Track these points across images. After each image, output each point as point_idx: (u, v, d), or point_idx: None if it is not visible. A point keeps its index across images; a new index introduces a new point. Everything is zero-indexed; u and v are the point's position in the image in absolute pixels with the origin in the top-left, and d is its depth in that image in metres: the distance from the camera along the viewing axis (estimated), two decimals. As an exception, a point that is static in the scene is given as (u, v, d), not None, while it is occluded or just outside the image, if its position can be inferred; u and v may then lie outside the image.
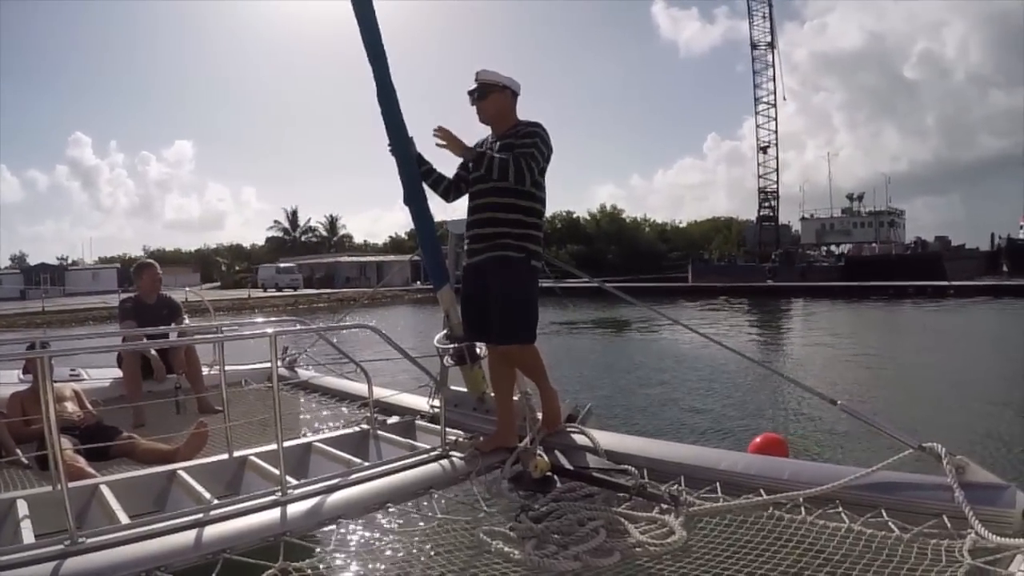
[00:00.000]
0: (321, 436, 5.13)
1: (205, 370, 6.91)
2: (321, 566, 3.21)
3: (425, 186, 5.00)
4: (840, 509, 3.27)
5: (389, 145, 4.94)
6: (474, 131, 4.84)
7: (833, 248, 74.82)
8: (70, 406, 5.44)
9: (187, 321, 7.37)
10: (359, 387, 6.26)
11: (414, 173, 4.97)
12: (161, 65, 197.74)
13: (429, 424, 5.23)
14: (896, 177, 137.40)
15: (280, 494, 3.62)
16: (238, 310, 40.27)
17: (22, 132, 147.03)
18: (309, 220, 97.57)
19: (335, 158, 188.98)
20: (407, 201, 5.06)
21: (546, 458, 4.17)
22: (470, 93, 4.65)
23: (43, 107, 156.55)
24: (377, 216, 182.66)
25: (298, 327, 6.32)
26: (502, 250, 4.44)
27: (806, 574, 2.87)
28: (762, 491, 3.54)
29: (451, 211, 5.37)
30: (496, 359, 4.69)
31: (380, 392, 5.72)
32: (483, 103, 4.62)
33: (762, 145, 68.23)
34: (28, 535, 3.22)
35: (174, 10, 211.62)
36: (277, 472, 3.74)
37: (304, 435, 5.37)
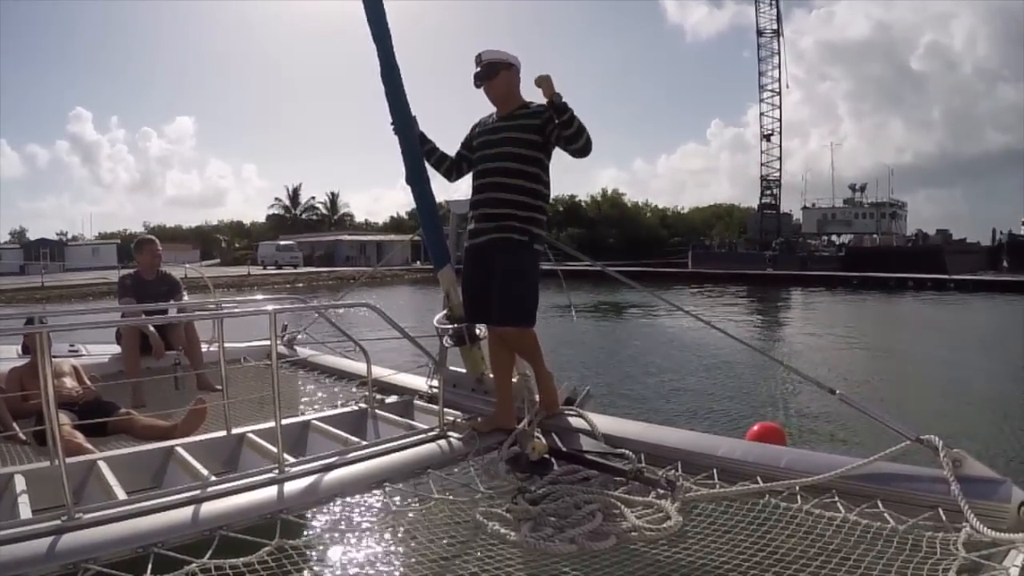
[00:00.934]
0: (319, 414, 5.13)
1: (204, 347, 6.92)
2: (317, 544, 3.24)
3: (428, 166, 4.99)
4: (836, 499, 3.27)
5: (392, 124, 4.93)
6: (473, 112, 4.85)
7: (834, 238, 74.77)
8: (68, 382, 5.44)
9: (186, 298, 7.37)
10: (358, 366, 6.26)
11: (417, 153, 4.96)
12: (163, 41, 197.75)
13: (427, 404, 5.23)
14: (899, 169, 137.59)
15: (278, 471, 3.62)
16: (237, 287, 40.32)
17: (22, 107, 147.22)
18: (312, 199, 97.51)
19: (337, 136, 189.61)
20: (409, 181, 5.05)
21: (544, 440, 4.18)
22: (476, 75, 4.59)
23: (44, 82, 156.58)
24: (378, 195, 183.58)
25: (298, 305, 6.32)
26: (507, 232, 4.43)
27: (801, 562, 2.87)
28: (759, 478, 3.54)
29: (452, 191, 5.37)
30: (496, 341, 4.68)
31: (379, 371, 5.71)
32: (494, 81, 4.57)
33: (766, 133, 68.28)
34: (25, 510, 3.22)
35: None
36: (275, 449, 3.75)
37: (302, 413, 5.37)
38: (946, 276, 45.06)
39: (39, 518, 3.04)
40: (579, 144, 4.37)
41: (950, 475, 3.05)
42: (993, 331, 24.48)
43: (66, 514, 3.00)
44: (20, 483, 3.55)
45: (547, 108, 4.36)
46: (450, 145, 4.94)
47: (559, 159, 4.53)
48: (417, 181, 5.05)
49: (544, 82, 4.24)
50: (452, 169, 4.91)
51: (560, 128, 4.33)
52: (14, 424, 4.91)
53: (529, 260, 4.48)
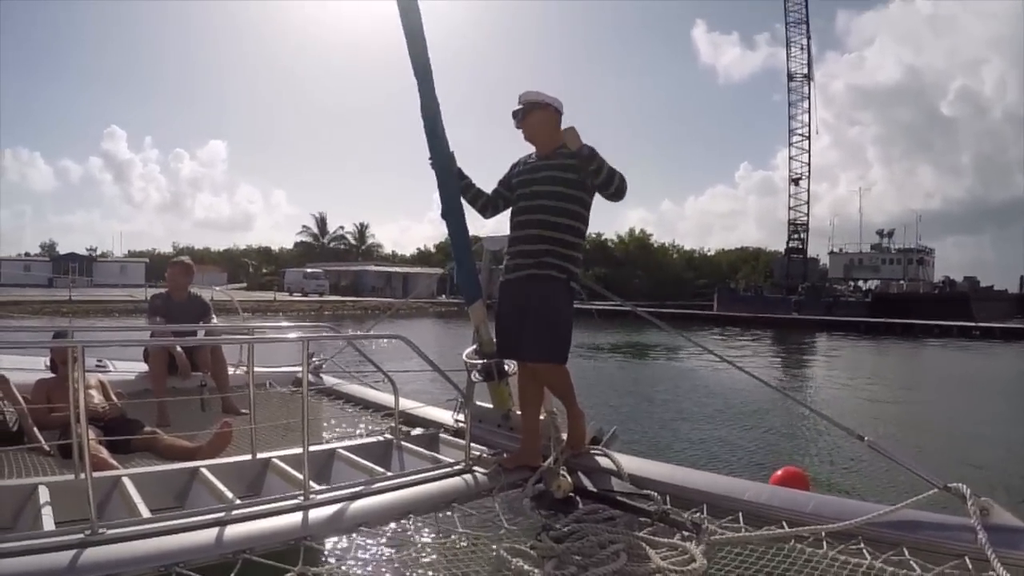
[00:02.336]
0: (345, 443, 5.14)
1: (230, 370, 6.94)
2: (339, 572, 3.22)
3: (463, 201, 5.02)
4: (862, 546, 3.25)
5: (430, 159, 4.97)
6: (513, 150, 4.88)
7: (860, 284, 74.42)
8: (96, 396, 5.48)
9: (215, 320, 7.41)
10: (384, 396, 6.28)
11: (453, 188, 4.99)
12: (199, 64, 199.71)
13: (453, 438, 5.24)
14: (928, 215, 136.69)
15: (303, 498, 3.63)
16: (263, 311, 40.46)
17: (58, 122, 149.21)
18: (341, 228, 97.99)
19: (367, 165, 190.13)
20: (445, 215, 5.08)
21: (569, 479, 4.17)
22: (514, 114, 4.68)
23: (80, 99, 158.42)
24: (406, 227, 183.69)
25: (329, 333, 6.34)
26: (546, 268, 4.45)
27: (826, 610, 2.86)
28: (784, 523, 3.52)
29: (480, 226, 5.39)
30: (526, 377, 4.69)
31: (405, 403, 5.72)
32: (526, 122, 4.64)
33: (794, 177, 68.35)
34: (49, 522, 3.25)
35: (215, 9, 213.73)
36: (300, 476, 3.76)
37: (327, 441, 5.38)
38: (972, 324, 44.76)
39: (63, 531, 3.05)
40: (611, 190, 4.48)
41: (977, 524, 3.02)
42: (1019, 379, 24.28)
43: (90, 528, 3.02)
44: (44, 494, 3.57)
45: (595, 151, 4.44)
46: (487, 183, 4.97)
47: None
48: (453, 216, 5.08)
49: (569, 135, 4.38)
50: (488, 206, 4.94)
51: (591, 176, 4.42)
52: (39, 435, 4.94)
53: (565, 297, 4.51)
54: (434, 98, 4.92)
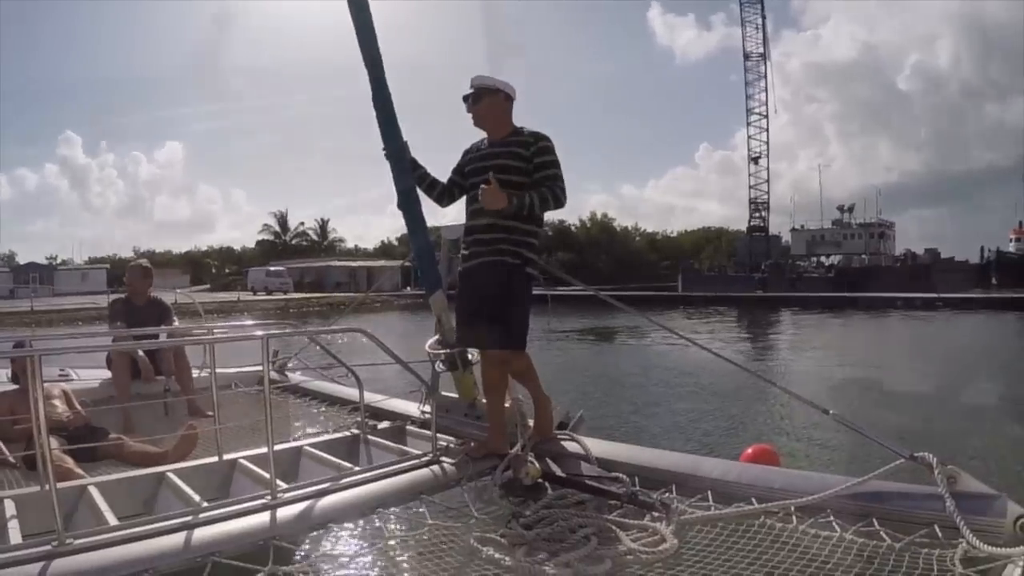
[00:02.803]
0: (311, 440, 5.11)
1: (195, 372, 6.89)
2: (310, 570, 3.20)
3: (419, 191, 4.99)
4: (831, 518, 3.26)
5: (384, 150, 4.93)
6: (466, 135, 4.85)
7: (823, 259, 75.02)
8: (59, 406, 5.41)
9: (177, 323, 7.35)
10: (350, 391, 6.25)
11: (408, 178, 4.95)
12: (153, 64, 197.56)
13: (420, 430, 5.21)
14: (887, 189, 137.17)
15: (270, 498, 3.60)
16: (227, 312, 40.15)
17: (11, 130, 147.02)
18: (301, 225, 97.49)
19: (326, 161, 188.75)
20: (401, 206, 5.05)
21: (537, 465, 4.16)
22: (465, 98, 4.66)
23: (33, 105, 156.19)
24: (368, 221, 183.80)
25: (289, 330, 6.30)
26: (499, 255, 4.45)
27: (797, 582, 2.87)
28: (754, 500, 3.53)
29: (440, 216, 5.37)
30: (488, 365, 4.68)
31: (371, 397, 5.69)
32: (477, 107, 4.62)
33: (753, 156, 68.71)
34: (15, 535, 3.21)
35: (163, 8, 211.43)
36: (267, 476, 3.72)
37: (294, 439, 5.34)
38: (934, 295, 45.23)
39: (29, 543, 3.02)
40: (551, 210, 4.54)
41: (945, 492, 3.05)
42: (981, 348, 24.58)
43: (57, 539, 2.98)
44: (10, 508, 3.53)
45: (547, 145, 4.50)
46: (442, 171, 4.95)
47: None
48: (409, 207, 5.04)
49: (489, 197, 4.32)
50: (444, 195, 4.92)
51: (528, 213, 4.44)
52: (3, 448, 4.88)
53: (521, 283, 4.51)
54: (386, 88, 4.89)
